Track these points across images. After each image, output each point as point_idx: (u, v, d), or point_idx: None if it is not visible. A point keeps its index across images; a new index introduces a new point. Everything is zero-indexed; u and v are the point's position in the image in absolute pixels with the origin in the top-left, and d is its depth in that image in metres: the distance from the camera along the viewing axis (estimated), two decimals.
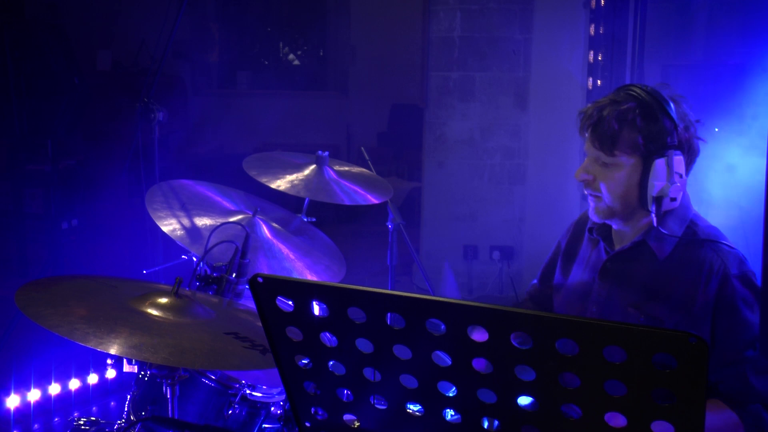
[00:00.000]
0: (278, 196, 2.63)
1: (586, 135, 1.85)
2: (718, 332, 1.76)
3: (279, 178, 2.64)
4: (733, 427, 1.73)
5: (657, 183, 1.78)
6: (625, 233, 1.92)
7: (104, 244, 5.17)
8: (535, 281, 2.25)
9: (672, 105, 1.79)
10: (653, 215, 1.81)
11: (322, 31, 9.34)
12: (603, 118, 1.80)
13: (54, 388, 3.64)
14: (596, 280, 1.95)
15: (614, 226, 1.94)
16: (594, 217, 1.92)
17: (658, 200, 1.79)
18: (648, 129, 1.77)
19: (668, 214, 1.85)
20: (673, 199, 1.80)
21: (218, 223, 2.26)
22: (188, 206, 2.42)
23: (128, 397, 2.00)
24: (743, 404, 1.74)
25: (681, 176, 1.79)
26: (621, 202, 1.84)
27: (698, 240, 1.82)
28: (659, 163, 1.76)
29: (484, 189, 5.38)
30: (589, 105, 1.88)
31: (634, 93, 1.81)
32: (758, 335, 1.74)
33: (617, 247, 1.93)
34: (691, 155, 1.83)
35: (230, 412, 1.94)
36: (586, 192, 1.90)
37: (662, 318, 1.80)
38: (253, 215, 2.45)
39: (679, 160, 1.78)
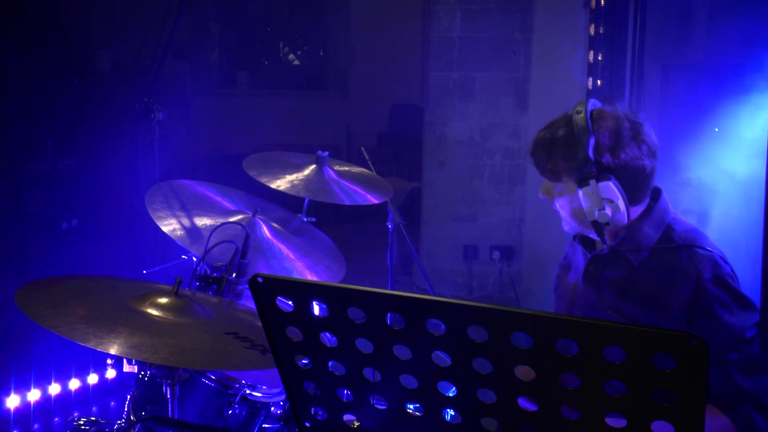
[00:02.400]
0: (278, 196, 2.63)
1: (531, 159, 1.94)
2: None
3: (279, 178, 2.64)
4: (725, 431, 1.73)
5: (586, 210, 1.84)
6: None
7: (104, 244, 5.17)
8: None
9: (592, 137, 1.80)
10: (596, 236, 1.87)
11: (322, 31, 9.34)
12: (539, 144, 1.90)
13: (54, 388, 3.64)
14: (580, 284, 1.98)
15: (591, 235, 1.96)
16: (565, 229, 1.99)
17: (597, 224, 1.84)
18: (568, 160, 1.83)
19: (645, 218, 1.88)
20: (606, 224, 1.84)
21: (218, 223, 2.26)
22: (188, 206, 2.42)
23: (128, 397, 2.00)
24: (734, 407, 1.74)
25: (611, 201, 1.82)
26: (574, 220, 1.91)
27: (674, 246, 1.83)
28: (583, 192, 1.82)
29: (484, 189, 5.38)
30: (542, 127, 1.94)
31: (570, 119, 1.85)
32: (740, 337, 1.74)
33: (596, 251, 1.96)
34: (630, 176, 1.83)
35: (230, 412, 1.94)
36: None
37: (641, 321, 1.82)
38: (253, 215, 2.45)
39: (606, 186, 1.80)
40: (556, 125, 1.88)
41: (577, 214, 1.88)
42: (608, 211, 1.82)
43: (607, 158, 1.81)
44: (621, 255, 1.88)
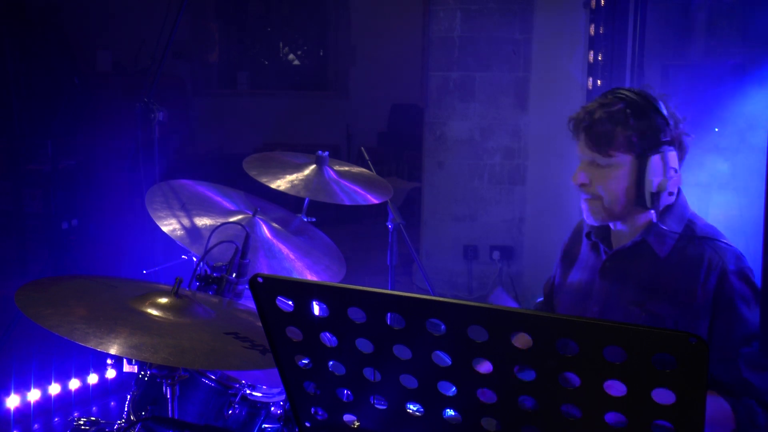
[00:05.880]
0: (278, 196, 2.63)
1: (581, 138, 1.88)
2: (715, 328, 1.77)
3: (279, 178, 2.64)
4: (724, 416, 1.74)
5: (654, 179, 1.82)
6: (623, 233, 1.94)
7: (104, 244, 5.18)
8: (541, 299, 2.27)
9: (661, 102, 1.83)
10: (652, 211, 1.85)
11: (322, 31, 9.35)
12: (595, 120, 1.84)
13: (54, 388, 3.64)
14: (596, 279, 1.97)
15: (612, 227, 1.96)
16: (591, 221, 1.93)
17: (657, 196, 1.83)
18: (641, 127, 1.81)
19: (667, 213, 1.88)
20: (671, 194, 1.85)
21: (218, 223, 2.26)
22: (188, 206, 2.42)
23: (128, 397, 2.00)
24: (737, 396, 1.75)
25: (675, 171, 1.84)
26: (619, 203, 1.87)
27: (697, 238, 1.85)
28: (654, 160, 1.81)
29: (484, 189, 5.38)
30: (579, 110, 1.92)
31: (621, 95, 1.85)
32: (754, 332, 1.75)
33: (616, 247, 1.95)
34: (681, 151, 1.87)
35: (230, 412, 1.94)
36: (583, 197, 1.91)
37: (663, 315, 1.82)
38: (253, 215, 2.45)
39: (672, 155, 1.83)
40: (603, 102, 1.85)
41: (629, 190, 1.84)
42: (674, 179, 1.83)
43: (671, 124, 1.83)
44: (646, 248, 1.88)
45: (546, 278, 2.27)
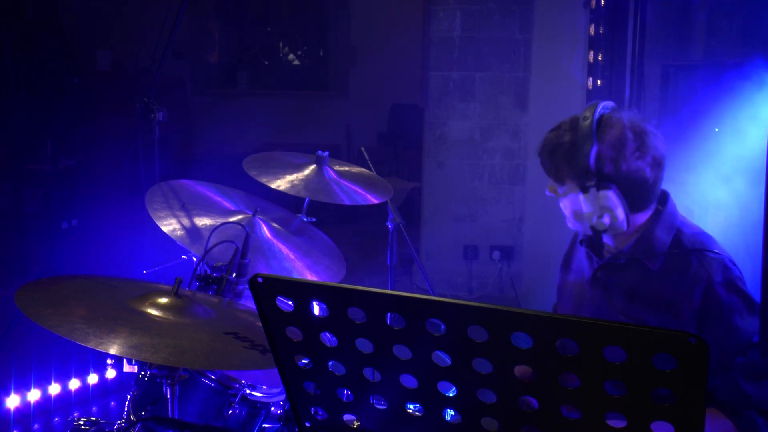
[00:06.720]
0: (278, 196, 2.63)
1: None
2: (706, 340, 1.75)
3: (279, 178, 2.64)
4: None
5: (586, 215, 1.87)
6: (609, 246, 1.95)
7: (104, 244, 5.18)
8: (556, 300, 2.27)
9: (596, 146, 1.79)
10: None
11: (322, 31, 9.34)
12: (544, 147, 1.91)
13: (54, 388, 3.64)
14: (587, 288, 1.97)
15: (602, 238, 1.96)
16: (568, 225, 2.00)
17: (595, 229, 1.88)
18: (571, 167, 1.84)
19: (655, 222, 1.88)
20: (605, 230, 1.87)
21: (218, 223, 2.26)
22: (188, 206, 2.42)
23: (128, 397, 2.00)
24: (738, 411, 1.74)
25: (610, 210, 1.83)
26: (576, 221, 1.93)
27: (684, 249, 1.83)
28: (584, 198, 1.85)
29: (484, 189, 5.38)
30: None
31: (577, 124, 1.84)
32: (748, 341, 1.74)
33: (606, 257, 1.96)
34: (632, 186, 1.83)
35: (230, 412, 1.94)
36: None
37: (653, 325, 1.81)
38: (253, 215, 2.45)
39: (605, 195, 1.81)
40: (563, 128, 1.88)
41: (579, 216, 1.90)
42: (606, 219, 1.84)
43: (608, 168, 1.80)
44: (638, 264, 1.88)
45: (546, 278, 2.27)
